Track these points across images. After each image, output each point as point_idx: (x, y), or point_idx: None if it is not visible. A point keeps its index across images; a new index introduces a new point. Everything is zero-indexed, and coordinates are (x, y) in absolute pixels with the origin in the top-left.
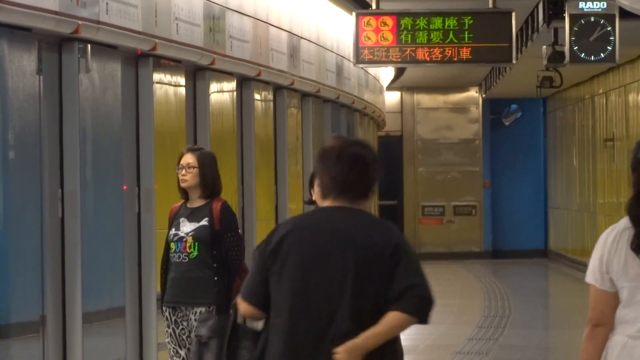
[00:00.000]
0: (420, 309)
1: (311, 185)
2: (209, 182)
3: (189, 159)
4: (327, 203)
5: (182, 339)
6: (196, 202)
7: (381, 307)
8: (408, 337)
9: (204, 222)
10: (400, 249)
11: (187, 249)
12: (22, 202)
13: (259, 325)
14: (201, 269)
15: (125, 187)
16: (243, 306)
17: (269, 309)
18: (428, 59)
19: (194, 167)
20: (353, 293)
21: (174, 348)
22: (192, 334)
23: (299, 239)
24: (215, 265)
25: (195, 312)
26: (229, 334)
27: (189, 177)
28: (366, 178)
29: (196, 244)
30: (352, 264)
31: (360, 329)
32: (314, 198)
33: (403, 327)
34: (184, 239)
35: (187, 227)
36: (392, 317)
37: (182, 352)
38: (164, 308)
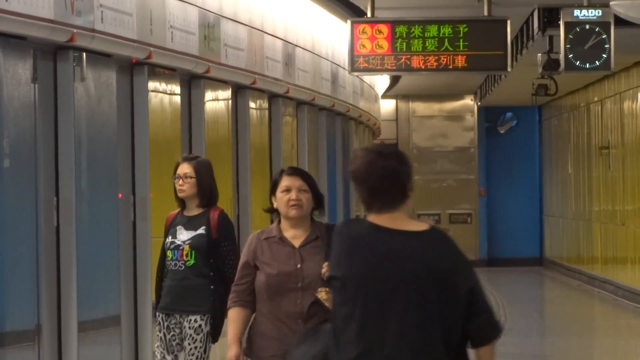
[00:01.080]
0: None
1: (274, 192)
2: (206, 191)
3: (185, 168)
4: (371, 216)
5: (172, 345)
6: (193, 211)
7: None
8: None
9: (201, 230)
10: (461, 262)
11: (184, 257)
12: (18, 210)
13: None
14: (197, 277)
15: (120, 195)
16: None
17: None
18: (423, 67)
19: (191, 177)
20: (417, 299)
21: (161, 352)
22: (185, 342)
23: (351, 260)
24: (211, 273)
25: (190, 320)
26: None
27: (186, 187)
28: (399, 180)
29: (193, 252)
30: (412, 271)
31: (430, 345)
32: (275, 206)
33: None
34: (181, 247)
35: (184, 235)
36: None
37: (169, 358)
38: (157, 313)
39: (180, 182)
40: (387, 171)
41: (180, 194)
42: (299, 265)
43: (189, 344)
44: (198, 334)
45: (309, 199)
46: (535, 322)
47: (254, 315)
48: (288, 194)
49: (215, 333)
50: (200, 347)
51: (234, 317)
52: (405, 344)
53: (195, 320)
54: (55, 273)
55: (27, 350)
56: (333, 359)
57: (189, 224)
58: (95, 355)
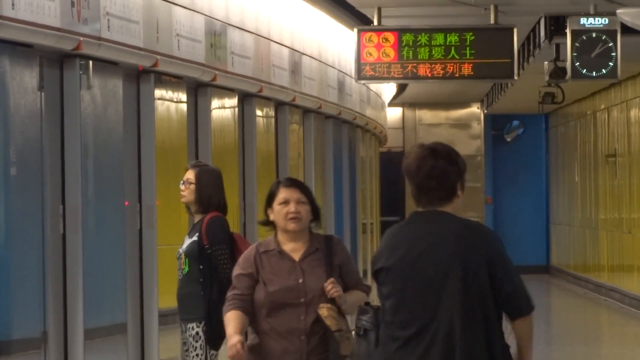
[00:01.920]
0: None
1: (270, 205)
2: (205, 199)
3: (188, 174)
4: (419, 210)
5: (184, 352)
6: (196, 218)
7: (487, 303)
8: None
9: (195, 237)
10: (495, 251)
11: (182, 265)
12: (24, 218)
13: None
14: (190, 285)
15: (126, 203)
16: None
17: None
18: (430, 75)
19: (191, 183)
20: (462, 288)
21: None
22: (189, 351)
23: (398, 251)
24: (201, 280)
25: (188, 327)
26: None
27: (186, 192)
28: (447, 180)
29: (187, 260)
30: (457, 261)
31: (469, 325)
32: (271, 219)
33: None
34: (180, 256)
35: (184, 244)
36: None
37: None
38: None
39: (182, 187)
40: (435, 170)
41: (181, 199)
42: (300, 280)
43: (190, 352)
44: (197, 341)
45: (307, 211)
46: (541, 330)
47: (252, 335)
48: (286, 206)
49: (212, 339)
50: (200, 355)
51: (233, 316)
52: (453, 327)
53: (193, 328)
54: (62, 280)
55: (33, 358)
56: (382, 351)
57: (191, 232)
58: None
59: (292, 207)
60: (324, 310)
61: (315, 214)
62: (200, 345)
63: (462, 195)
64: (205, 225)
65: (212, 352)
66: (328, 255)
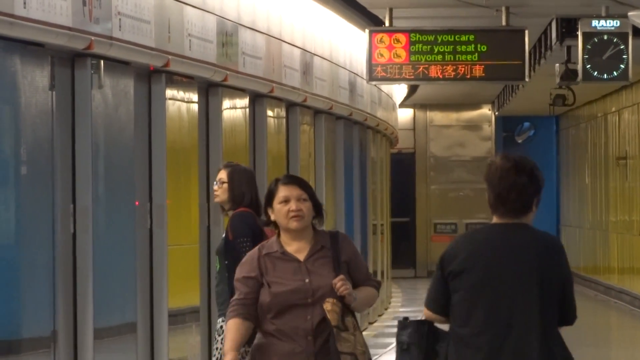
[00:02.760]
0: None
1: (270, 204)
2: (238, 197)
3: (221, 174)
4: (495, 219)
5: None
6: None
7: (555, 313)
8: None
9: (224, 235)
10: (568, 269)
11: (216, 263)
12: (34, 217)
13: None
14: (220, 281)
15: (137, 202)
16: (425, 312)
17: (448, 315)
18: (441, 76)
19: (224, 183)
20: (539, 297)
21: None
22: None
23: (476, 258)
24: (227, 274)
25: (217, 322)
26: (425, 339)
27: (219, 192)
28: (529, 193)
29: (217, 257)
30: (535, 270)
31: (546, 329)
32: (272, 218)
33: None
34: (215, 254)
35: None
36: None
37: None
38: None
39: (216, 187)
40: (517, 185)
41: (215, 199)
42: (307, 280)
43: (213, 344)
44: (219, 335)
45: (309, 208)
46: None
47: (256, 336)
48: (287, 204)
49: None
50: (220, 349)
51: (232, 327)
52: (530, 331)
53: (218, 322)
54: (72, 280)
55: (43, 357)
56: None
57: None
58: None
59: (293, 205)
60: (327, 305)
61: (317, 210)
62: (222, 339)
63: (535, 210)
64: (230, 221)
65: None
66: (334, 253)
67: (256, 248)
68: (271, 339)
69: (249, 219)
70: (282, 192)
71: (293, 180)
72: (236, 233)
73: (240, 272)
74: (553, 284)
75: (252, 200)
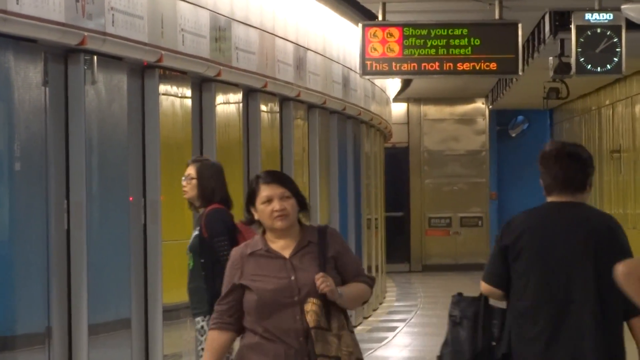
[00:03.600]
0: None
1: (252, 204)
2: (208, 193)
3: (189, 170)
4: (551, 199)
5: (197, 346)
6: (200, 213)
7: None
8: (415, 348)
9: (196, 231)
10: (627, 247)
11: (188, 260)
12: (28, 213)
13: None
14: (195, 279)
15: (131, 198)
16: (483, 286)
17: (507, 289)
18: (434, 70)
19: (193, 178)
20: (594, 272)
21: None
22: (197, 345)
23: (533, 232)
24: (203, 273)
25: (195, 322)
26: (482, 313)
27: (188, 188)
28: (582, 173)
29: (190, 254)
30: (591, 245)
31: (603, 307)
32: (255, 217)
33: None
34: (188, 251)
35: (191, 239)
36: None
37: None
38: None
39: (184, 183)
40: (571, 166)
41: (183, 195)
42: (292, 277)
43: (197, 346)
44: (202, 335)
45: (293, 206)
46: None
47: (243, 341)
48: (270, 204)
49: None
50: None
51: (209, 344)
52: (585, 307)
53: (198, 322)
54: (66, 276)
55: (37, 353)
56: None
57: (195, 227)
58: (106, 358)
59: (276, 205)
60: (307, 305)
61: (302, 205)
62: (205, 339)
63: (590, 190)
64: (205, 218)
65: None
66: (321, 248)
67: (240, 247)
68: (263, 340)
69: (224, 216)
70: (264, 191)
71: (274, 178)
72: (213, 232)
73: (226, 276)
74: (610, 261)
75: (223, 196)
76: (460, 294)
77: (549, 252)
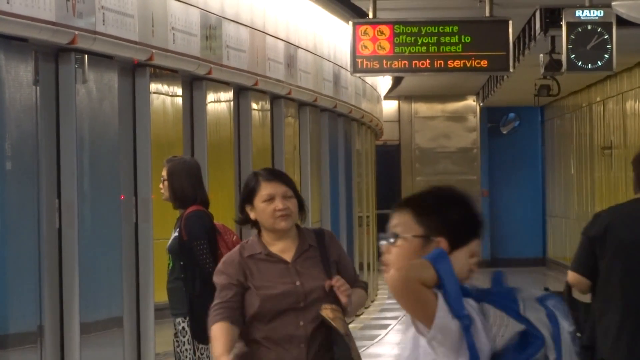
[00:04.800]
0: None
1: (250, 202)
2: (178, 193)
3: (163, 171)
4: (638, 196)
5: (175, 346)
6: (179, 214)
7: None
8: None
9: (175, 233)
10: None
11: (168, 261)
12: (19, 212)
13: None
14: (174, 280)
15: (122, 197)
16: (571, 275)
17: (593, 281)
18: (425, 67)
19: (164, 180)
20: None
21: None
22: (179, 346)
23: (619, 225)
24: (182, 275)
25: (175, 323)
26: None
27: (163, 189)
28: None
29: (170, 255)
30: None
31: None
32: (252, 217)
33: None
34: (167, 252)
35: (170, 240)
36: None
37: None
38: None
39: (161, 185)
40: None
41: (162, 197)
42: (297, 283)
43: (178, 347)
44: (184, 336)
45: (295, 206)
46: None
47: (239, 344)
48: (272, 203)
49: (198, 334)
50: (189, 349)
51: (218, 332)
52: None
53: (179, 323)
54: (58, 275)
55: (29, 352)
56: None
57: (175, 228)
58: (98, 357)
59: (279, 204)
60: (328, 312)
61: (300, 206)
62: (188, 340)
63: None
64: (184, 221)
65: (202, 346)
66: (323, 252)
67: (236, 249)
68: (257, 347)
69: (204, 220)
70: (266, 189)
71: (276, 175)
72: (192, 235)
73: (220, 277)
74: None
75: (197, 195)
76: (546, 289)
77: (628, 246)
